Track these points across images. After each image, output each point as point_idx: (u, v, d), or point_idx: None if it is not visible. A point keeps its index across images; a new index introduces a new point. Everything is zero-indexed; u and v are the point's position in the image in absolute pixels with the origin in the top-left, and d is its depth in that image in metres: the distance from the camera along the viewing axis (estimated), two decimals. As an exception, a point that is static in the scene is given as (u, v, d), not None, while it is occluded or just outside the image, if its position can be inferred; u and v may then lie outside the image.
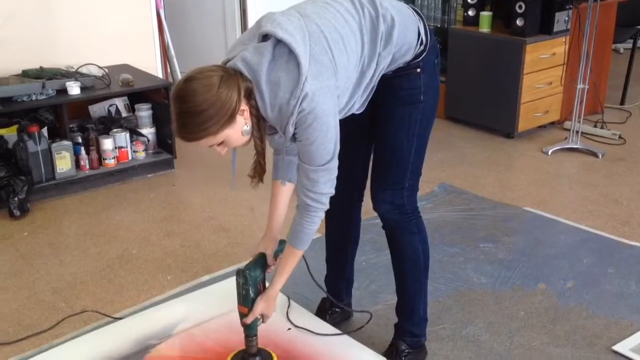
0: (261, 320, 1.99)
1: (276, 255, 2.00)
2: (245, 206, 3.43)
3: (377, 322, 2.40)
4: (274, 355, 2.06)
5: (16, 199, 3.26)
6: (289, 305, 2.38)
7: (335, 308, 2.40)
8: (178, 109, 1.65)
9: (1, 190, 3.29)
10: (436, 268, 2.68)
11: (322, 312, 2.40)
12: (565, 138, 4.19)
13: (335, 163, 1.77)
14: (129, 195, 3.61)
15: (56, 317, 2.50)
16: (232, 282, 2.62)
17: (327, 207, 1.83)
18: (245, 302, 1.94)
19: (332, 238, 2.35)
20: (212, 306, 2.43)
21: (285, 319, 2.31)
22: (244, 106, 1.69)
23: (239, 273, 1.92)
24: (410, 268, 2.11)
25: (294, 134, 1.73)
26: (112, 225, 3.26)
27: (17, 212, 3.27)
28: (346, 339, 2.23)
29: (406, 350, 2.15)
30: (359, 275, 2.49)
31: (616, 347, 2.28)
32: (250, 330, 1.99)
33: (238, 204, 3.47)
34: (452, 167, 3.90)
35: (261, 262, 1.98)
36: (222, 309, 2.39)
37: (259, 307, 1.94)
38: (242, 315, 1.96)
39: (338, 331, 2.27)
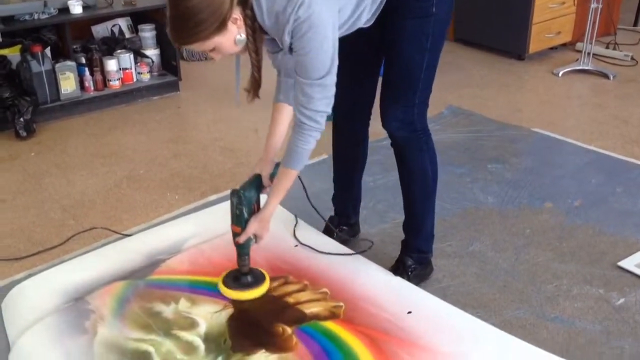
0: (254, 240, 2.00)
1: (271, 177, 2.00)
2: (250, 127, 3.41)
3: (384, 239, 2.42)
4: (266, 274, 2.08)
5: (22, 119, 3.25)
6: (296, 223, 2.39)
7: (342, 226, 2.41)
8: (170, 13, 1.65)
9: (6, 110, 3.27)
10: (443, 188, 2.67)
11: (329, 230, 2.41)
12: (577, 59, 4.12)
13: (331, 79, 1.74)
14: (134, 117, 3.59)
15: (65, 234, 2.52)
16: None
17: (323, 127, 1.81)
18: (239, 221, 1.94)
19: (340, 157, 2.34)
20: (220, 224, 2.43)
21: (292, 236, 2.33)
22: (237, 14, 1.66)
23: (234, 193, 1.92)
24: (419, 186, 2.10)
25: (290, 46, 1.70)
26: (119, 146, 3.26)
27: (23, 133, 3.26)
28: (353, 255, 2.25)
29: (413, 266, 2.17)
30: (365, 195, 2.49)
31: (621, 263, 2.29)
32: (242, 250, 2.00)
33: (243, 125, 3.45)
34: (461, 89, 3.85)
35: (256, 182, 1.97)
36: (229, 226, 2.41)
37: (252, 227, 1.95)
38: (235, 235, 1.97)
39: (345, 248, 2.28)
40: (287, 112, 1.97)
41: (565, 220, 2.57)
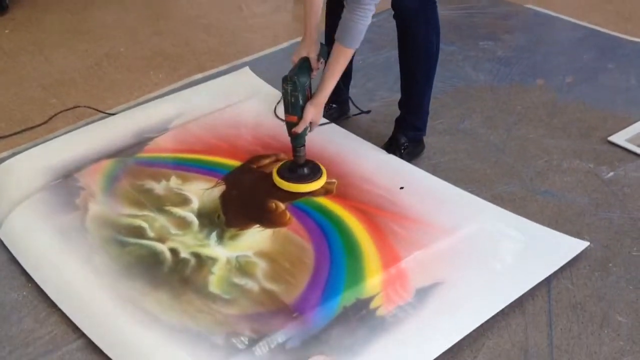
0: (309, 128, 1.92)
1: (319, 58, 1.91)
2: (233, 4, 3.28)
3: (374, 118, 2.38)
4: (322, 167, 1.99)
5: (-8, -5, 3.09)
6: (278, 102, 2.34)
7: (332, 104, 2.36)
8: None
9: (-25, -15, 3.10)
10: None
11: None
12: None
13: None
14: (111, -8, 3.43)
15: (48, 113, 2.45)
16: (227, 78, 2.61)
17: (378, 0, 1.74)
18: (295, 110, 1.84)
19: (332, 33, 2.25)
20: (207, 102, 2.39)
21: (273, 115, 2.29)
22: None
23: (287, 80, 1.81)
24: (423, 60, 2.04)
25: None
26: (96, 23, 3.12)
27: (-5, 9, 3.11)
28: (344, 132, 2.23)
29: (406, 144, 2.15)
30: (355, 74, 2.42)
31: (611, 138, 2.29)
32: (299, 140, 1.90)
33: (226, 2, 3.31)
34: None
35: (306, 66, 1.86)
36: (217, 105, 2.36)
37: (310, 113, 1.86)
38: (291, 125, 1.87)
39: (334, 125, 2.25)
40: None
41: (556, 96, 2.54)
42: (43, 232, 1.80)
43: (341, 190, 1.95)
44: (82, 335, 1.58)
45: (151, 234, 1.78)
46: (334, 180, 1.98)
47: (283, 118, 2.14)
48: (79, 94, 2.59)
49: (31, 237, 1.80)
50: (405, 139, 2.15)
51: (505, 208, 1.95)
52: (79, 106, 2.49)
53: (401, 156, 2.12)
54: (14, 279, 1.75)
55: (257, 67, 2.67)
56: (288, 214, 1.85)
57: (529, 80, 2.64)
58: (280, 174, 1.96)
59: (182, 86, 2.62)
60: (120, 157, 2.08)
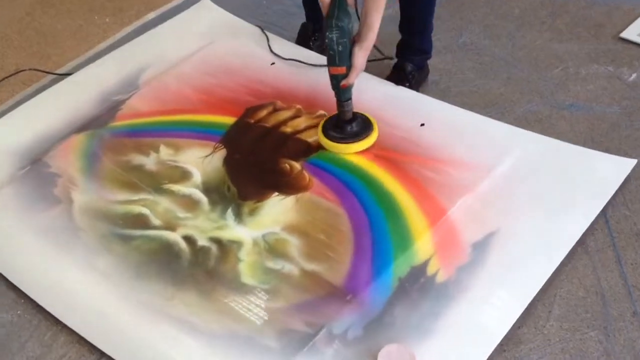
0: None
1: None
2: None
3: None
4: (372, 119, 1.72)
5: None
6: (267, 39, 2.05)
7: (317, 34, 2.09)
8: None
9: None
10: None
11: (305, 39, 2.09)
12: None
13: None
14: None
15: (-13, 83, 2.10)
16: (187, 15, 2.28)
17: None
18: (343, 59, 1.55)
19: None
20: (173, 48, 2.08)
21: (269, 52, 2.00)
22: None
23: (331, 27, 1.50)
24: None
25: None
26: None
27: None
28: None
29: (413, 72, 1.91)
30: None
31: (623, 35, 2.11)
32: (347, 93, 1.62)
33: None
34: None
35: (343, 5, 1.53)
36: (186, 50, 2.06)
37: (361, 59, 1.56)
38: (341, 77, 1.57)
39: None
40: None
41: (552, -7, 2.33)
42: (25, 236, 1.53)
43: (359, 137, 1.72)
44: (102, 354, 1.35)
45: (156, 221, 1.53)
46: (346, 125, 1.75)
47: (283, 57, 1.87)
48: (17, 54, 2.23)
49: (11, 244, 1.53)
50: (412, 66, 1.92)
51: (534, 130, 1.77)
52: (22, 70, 2.13)
53: (411, 87, 1.89)
54: (0, 296, 1.50)
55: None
56: (307, 175, 1.62)
57: (518, -23, 2.41)
58: (327, 133, 1.69)
59: (136, 30, 2.29)
60: (92, 129, 1.79)
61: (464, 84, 1.99)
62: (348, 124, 1.67)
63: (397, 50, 1.95)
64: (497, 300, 1.35)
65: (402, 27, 1.91)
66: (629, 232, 1.53)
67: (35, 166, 1.69)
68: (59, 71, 2.12)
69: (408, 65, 1.91)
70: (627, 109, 1.86)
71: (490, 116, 1.83)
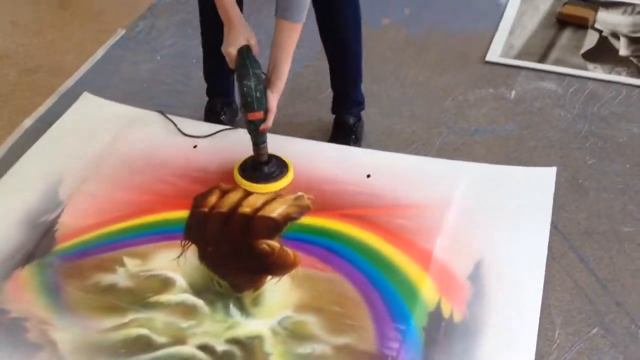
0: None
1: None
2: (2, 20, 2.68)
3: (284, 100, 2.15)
4: (288, 161, 1.82)
5: None
6: (174, 123, 2.01)
7: (225, 107, 2.09)
8: None
9: None
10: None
11: (214, 114, 2.07)
12: None
13: None
14: None
15: None
16: (72, 115, 2.12)
17: None
18: (261, 104, 1.67)
19: (210, 15, 1.86)
20: (75, 151, 1.94)
21: (183, 135, 1.97)
22: None
23: (247, 76, 1.63)
24: (353, 29, 1.90)
25: None
26: None
27: None
28: (278, 137, 1.96)
29: (355, 124, 2.01)
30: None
31: (488, 58, 2.38)
32: (263, 137, 1.74)
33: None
34: None
35: (251, 55, 1.66)
36: (92, 150, 1.93)
37: (274, 103, 1.68)
38: (259, 122, 1.69)
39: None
40: None
41: (408, 32, 2.55)
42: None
43: (319, 202, 1.75)
44: None
45: (160, 339, 1.44)
46: (300, 193, 1.78)
47: (195, 135, 1.88)
48: None
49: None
50: (354, 118, 2.01)
51: (456, 158, 1.94)
52: None
53: (357, 139, 1.99)
54: None
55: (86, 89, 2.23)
56: (290, 251, 1.62)
57: (375, 21, 2.59)
58: (244, 175, 1.79)
59: (17, 143, 2.09)
60: (36, 259, 1.62)
61: (376, 128, 2.11)
62: (265, 164, 1.79)
63: (333, 106, 2.02)
64: (513, 321, 1.47)
65: (335, 84, 1.99)
66: (577, 231, 1.74)
67: (-11, 316, 1.50)
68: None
69: (349, 118, 1.99)
70: (522, 124, 2.11)
71: (415, 153, 1.97)
